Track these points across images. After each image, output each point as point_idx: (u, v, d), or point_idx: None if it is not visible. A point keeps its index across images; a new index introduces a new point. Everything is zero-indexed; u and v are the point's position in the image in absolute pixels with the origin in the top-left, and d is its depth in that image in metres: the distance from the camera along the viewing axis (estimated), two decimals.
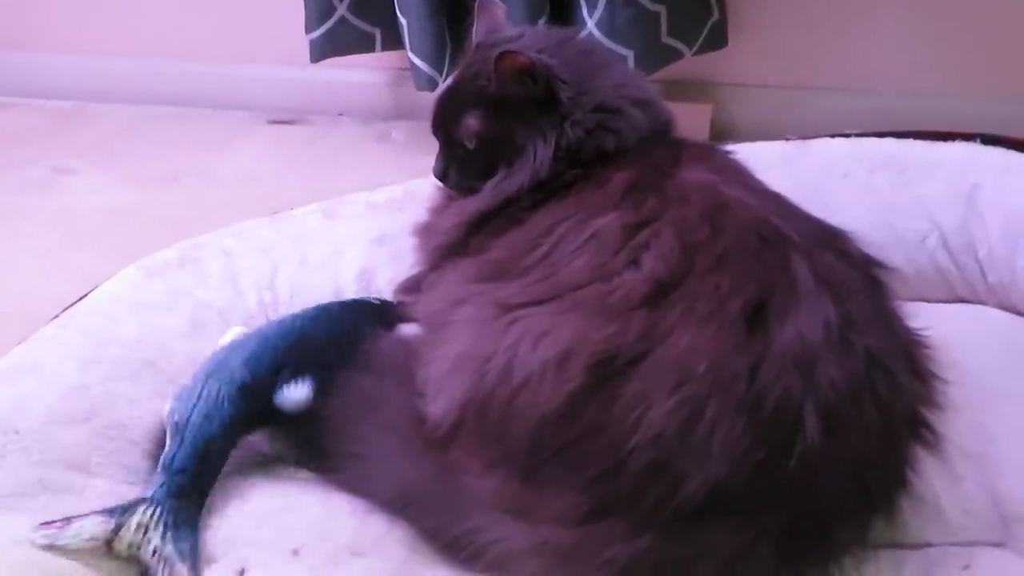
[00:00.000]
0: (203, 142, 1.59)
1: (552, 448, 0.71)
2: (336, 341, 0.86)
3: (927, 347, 0.81)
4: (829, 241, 0.79)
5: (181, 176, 1.49)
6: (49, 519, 0.70)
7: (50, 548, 0.69)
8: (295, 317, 0.89)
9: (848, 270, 0.76)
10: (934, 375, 0.80)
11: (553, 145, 0.85)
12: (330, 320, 0.89)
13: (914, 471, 0.75)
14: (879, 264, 0.82)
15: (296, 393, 0.80)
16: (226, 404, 0.78)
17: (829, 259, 0.75)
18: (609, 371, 0.70)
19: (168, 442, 0.77)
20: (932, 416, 0.77)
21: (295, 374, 0.81)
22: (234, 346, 0.84)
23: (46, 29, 1.68)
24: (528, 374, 0.71)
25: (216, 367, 0.81)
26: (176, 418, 0.77)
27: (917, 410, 0.77)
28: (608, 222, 0.78)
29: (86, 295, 0.95)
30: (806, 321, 0.70)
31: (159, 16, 1.66)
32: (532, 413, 0.71)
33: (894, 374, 0.73)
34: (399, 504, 0.75)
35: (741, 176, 0.87)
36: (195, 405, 0.77)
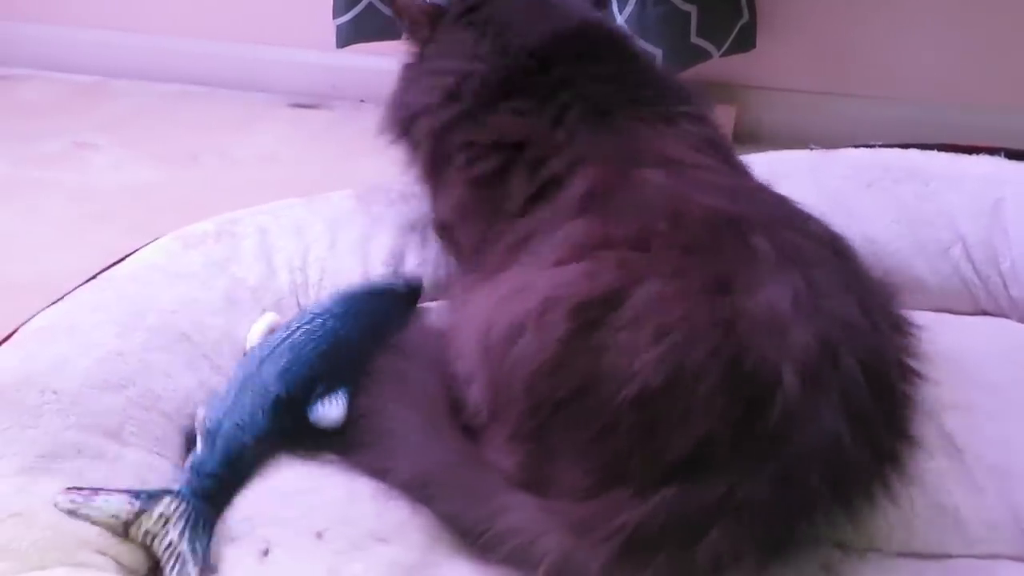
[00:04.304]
0: (224, 122, 1.59)
1: (550, 405, 0.72)
2: (367, 342, 0.86)
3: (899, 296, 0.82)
4: (789, 221, 0.80)
5: (201, 155, 1.49)
6: (80, 485, 0.71)
7: (70, 513, 0.69)
8: (324, 318, 0.87)
9: (811, 243, 0.77)
10: (911, 325, 0.81)
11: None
12: (359, 317, 0.88)
13: (912, 423, 0.76)
14: (843, 239, 0.83)
15: (332, 412, 0.80)
16: (260, 416, 0.78)
17: (790, 235, 0.76)
18: (593, 317, 0.71)
19: (199, 444, 0.77)
20: (916, 364, 0.79)
21: (330, 388, 0.81)
22: (266, 355, 0.83)
23: (70, 2, 1.68)
24: (515, 325, 0.73)
25: (249, 377, 0.81)
26: (208, 425, 0.77)
27: (901, 359, 0.77)
28: (575, 228, 0.80)
29: (123, 259, 0.95)
30: (774, 291, 0.71)
31: None
32: (527, 367, 0.72)
33: (871, 331, 0.74)
34: (420, 486, 0.75)
35: (699, 158, 0.87)
36: (228, 413, 0.77)
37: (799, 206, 0.84)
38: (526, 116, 0.89)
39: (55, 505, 0.69)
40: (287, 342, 0.84)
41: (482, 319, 0.77)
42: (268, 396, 0.79)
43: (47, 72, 1.68)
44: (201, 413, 0.79)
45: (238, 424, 0.77)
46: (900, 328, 0.80)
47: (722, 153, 0.91)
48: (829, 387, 0.70)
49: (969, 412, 0.89)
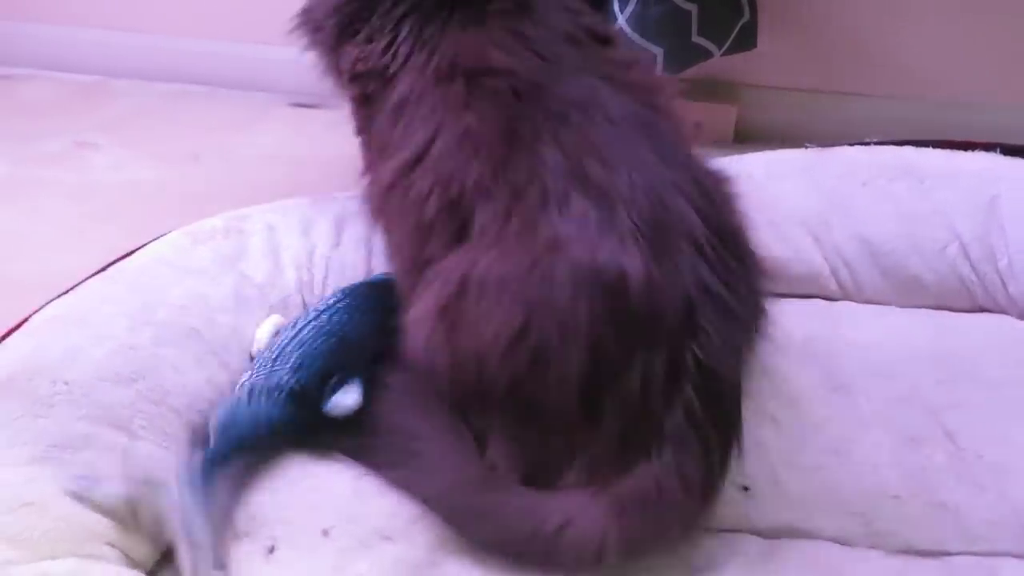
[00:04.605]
0: (225, 122, 1.58)
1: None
2: (373, 334, 0.87)
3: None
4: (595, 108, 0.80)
5: (202, 155, 1.48)
6: (91, 474, 0.71)
7: (80, 499, 0.70)
8: (328, 313, 0.88)
9: (614, 127, 0.79)
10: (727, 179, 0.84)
11: None
12: (362, 310, 0.89)
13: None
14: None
15: (346, 400, 0.81)
16: (275, 410, 0.79)
17: (592, 124, 0.78)
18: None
19: (212, 440, 0.77)
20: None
21: (341, 380, 0.82)
22: (276, 355, 0.84)
23: (71, 2, 1.68)
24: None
25: (263, 378, 0.81)
26: (223, 421, 0.78)
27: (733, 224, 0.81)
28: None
29: (132, 252, 0.96)
30: (579, 204, 0.73)
31: None
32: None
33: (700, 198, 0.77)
34: (450, 509, 0.75)
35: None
36: (240, 408, 0.78)
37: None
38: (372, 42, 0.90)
39: (64, 489, 0.70)
40: (295, 340, 0.84)
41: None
42: (283, 390, 0.79)
43: (48, 72, 1.68)
44: (215, 419, 0.79)
45: (254, 420, 0.78)
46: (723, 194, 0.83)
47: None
48: (670, 261, 0.73)
49: (969, 409, 0.90)
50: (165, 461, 0.76)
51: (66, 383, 0.76)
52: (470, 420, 0.79)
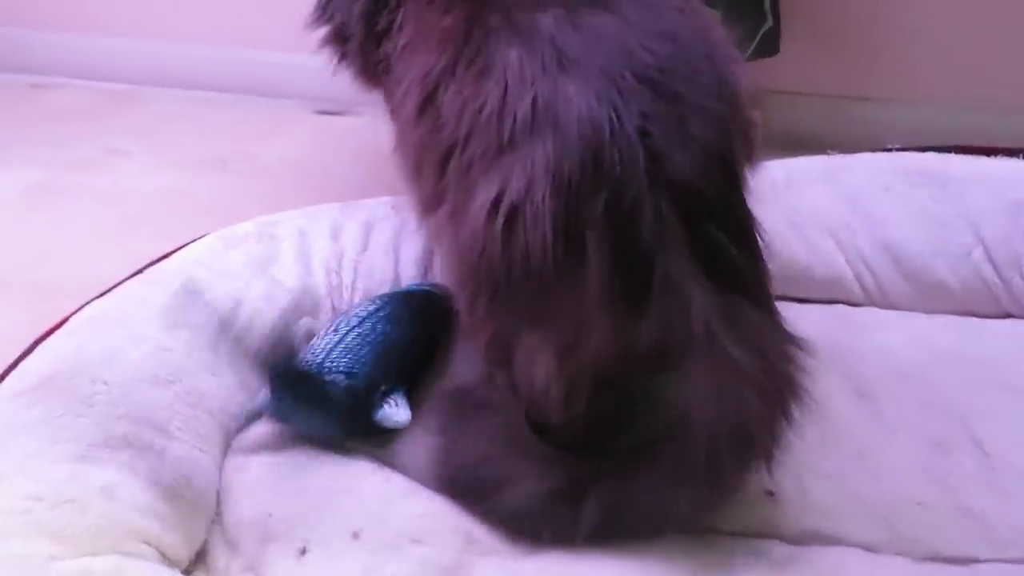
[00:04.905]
0: (251, 129, 1.60)
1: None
2: (416, 347, 0.89)
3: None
4: None
5: (229, 161, 1.50)
6: (134, 476, 0.73)
7: (119, 498, 0.71)
8: (372, 321, 0.89)
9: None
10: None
11: None
12: (404, 319, 0.91)
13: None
14: None
15: (398, 415, 0.83)
16: (330, 422, 0.81)
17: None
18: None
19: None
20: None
21: (390, 389, 0.84)
22: (321, 359, 0.85)
23: (102, 11, 1.70)
24: None
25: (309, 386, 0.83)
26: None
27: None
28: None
29: (168, 255, 0.97)
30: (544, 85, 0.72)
31: (214, 2, 1.68)
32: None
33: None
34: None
35: None
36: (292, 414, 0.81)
37: None
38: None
39: None
40: (340, 346, 0.85)
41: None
42: (334, 401, 0.81)
43: (79, 80, 1.71)
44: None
45: (306, 427, 0.80)
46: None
47: None
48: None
49: (995, 415, 0.90)
50: (199, 463, 0.77)
51: (105, 383, 0.78)
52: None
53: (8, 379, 0.78)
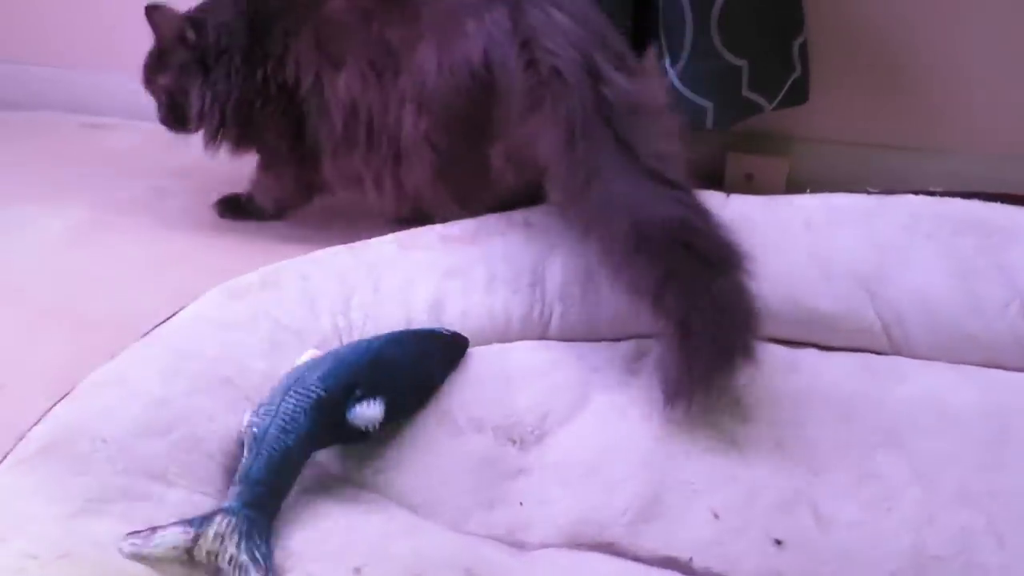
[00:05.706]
0: None
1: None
2: (408, 366, 0.90)
3: None
4: None
5: None
6: (128, 525, 0.73)
7: (136, 557, 0.71)
8: (370, 340, 0.93)
9: None
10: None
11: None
12: (402, 345, 0.93)
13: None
14: None
15: (369, 411, 0.84)
16: (302, 418, 0.81)
17: None
18: None
19: (245, 454, 0.80)
20: None
21: (368, 393, 0.84)
22: (311, 364, 0.88)
23: None
24: None
25: (293, 383, 0.84)
26: (255, 431, 0.80)
27: None
28: None
29: (173, 315, 0.99)
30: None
31: None
32: None
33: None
34: None
35: None
36: (273, 419, 0.81)
37: None
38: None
39: (119, 551, 0.71)
40: (332, 354, 0.89)
41: None
42: (310, 398, 0.82)
43: (131, 121, 1.77)
44: (247, 418, 0.82)
45: (283, 429, 0.80)
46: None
47: None
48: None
49: (1015, 470, 0.88)
50: (199, 504, 0.78)
51: (104, 441, 0.79)
52: None
53: (15, 450, 0.80)
